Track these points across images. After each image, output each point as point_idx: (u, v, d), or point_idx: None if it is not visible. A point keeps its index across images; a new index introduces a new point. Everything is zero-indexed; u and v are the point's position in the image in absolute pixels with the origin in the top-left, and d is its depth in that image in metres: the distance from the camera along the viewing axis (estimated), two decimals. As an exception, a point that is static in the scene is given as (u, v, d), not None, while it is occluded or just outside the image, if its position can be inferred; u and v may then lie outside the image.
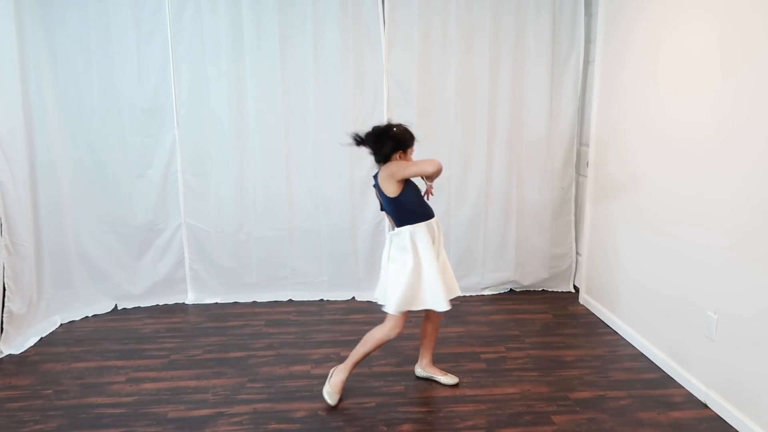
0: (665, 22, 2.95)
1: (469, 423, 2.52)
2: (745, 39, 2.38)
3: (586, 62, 3.96)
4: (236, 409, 2.65)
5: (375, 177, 2.62)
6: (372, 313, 3.85)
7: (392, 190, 2.51)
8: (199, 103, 3.79)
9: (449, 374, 2.90)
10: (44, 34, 3.51)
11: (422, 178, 2.59)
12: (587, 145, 3.92)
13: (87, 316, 3.78)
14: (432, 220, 2.61)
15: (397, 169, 2.49)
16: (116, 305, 3.93)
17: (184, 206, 3.93)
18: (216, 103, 3.80)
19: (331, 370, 2.78)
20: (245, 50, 3.74)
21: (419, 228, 2.54)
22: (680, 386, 2.82)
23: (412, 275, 2.51)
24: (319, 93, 3.83)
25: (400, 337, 2.66)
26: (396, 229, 2.60)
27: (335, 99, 3.84)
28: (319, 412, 2.60)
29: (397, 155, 2.55)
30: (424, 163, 2.49)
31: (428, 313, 2.79)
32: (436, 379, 2.88)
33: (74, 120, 3.68)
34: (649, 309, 3.16)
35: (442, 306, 2.56)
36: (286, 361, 3.13)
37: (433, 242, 2.58)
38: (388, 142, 2.54)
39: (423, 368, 2.92)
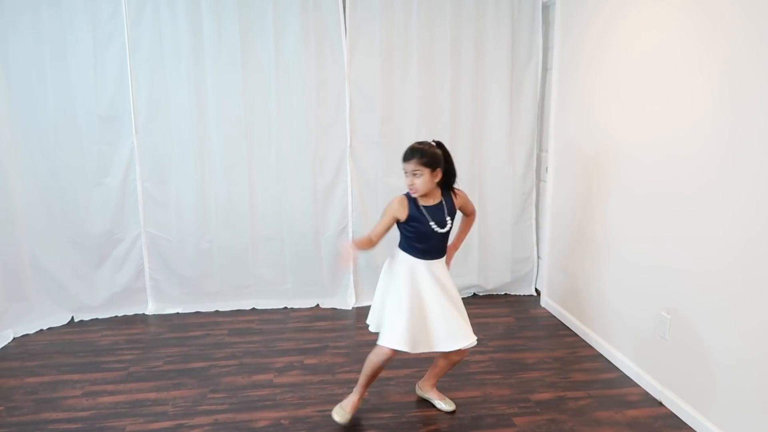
0: (614, 27, 3.04)
1: (432, 427, 2.54)
2: (693, 32, 2.47)
3: (545, 69, 4.05)
4: (197, 420, 2.60)
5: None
6: (336, 320, 3.85)
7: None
8: (159, 110, 3.73)
9: (447, 399, 2.74)
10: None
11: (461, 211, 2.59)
12: (547, 151, 4.00)
13: (42, 329, 3.66)
14: (431, 262, 2.45)
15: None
16: (73, 317, 3.82)
17: (144, 215, 3.85)
18: (176, 109, 3.75)
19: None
20: (205, 57, 3.70)
21: (418, 262, 2.43)
22: (637, 385, 2.89)
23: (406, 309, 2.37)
24: (281, 100, 3.82)
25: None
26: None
27: (297, 106, 3.83)
28: (282, 421, 2.58)
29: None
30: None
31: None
32: (434, 403, 2.72)
33: (27, 127, 3.57)
34: (606, 310, 3.24)
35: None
36: (249, 370, 3.10)
37: (431, 283, 2.42)
38: None
39: (422, 389, 2.78)
